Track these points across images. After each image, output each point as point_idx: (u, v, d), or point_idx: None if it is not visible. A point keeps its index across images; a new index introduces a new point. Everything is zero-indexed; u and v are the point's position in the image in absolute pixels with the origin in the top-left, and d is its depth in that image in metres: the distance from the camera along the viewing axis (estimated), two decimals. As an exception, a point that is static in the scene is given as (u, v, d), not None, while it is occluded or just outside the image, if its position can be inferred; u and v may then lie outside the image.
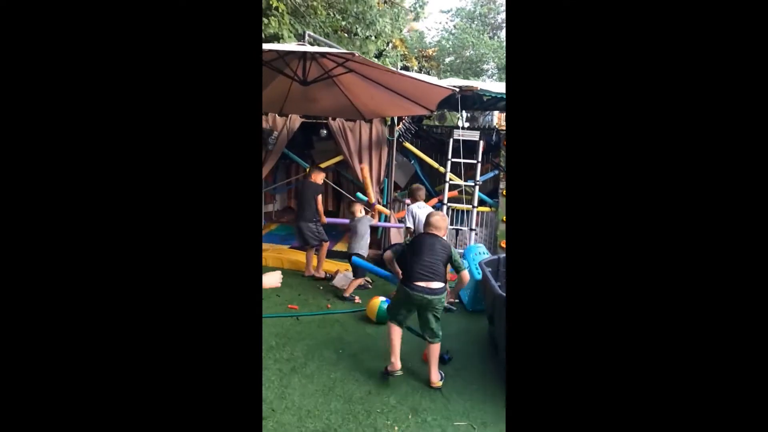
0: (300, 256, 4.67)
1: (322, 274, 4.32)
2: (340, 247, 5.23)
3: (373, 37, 5.62)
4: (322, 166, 5.60)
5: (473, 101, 5.43)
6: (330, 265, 4.55)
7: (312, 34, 3.57)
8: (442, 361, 2.72)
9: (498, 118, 7.03)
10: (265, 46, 2.32)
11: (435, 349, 2.56)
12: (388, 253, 2.97)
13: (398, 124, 4.95)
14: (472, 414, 2.29)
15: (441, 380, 2.54)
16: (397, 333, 2.58)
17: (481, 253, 3.76)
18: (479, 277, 3.58)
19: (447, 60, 16.52)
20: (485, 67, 18.21)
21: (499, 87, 5.06)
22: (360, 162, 5.20)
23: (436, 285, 2.47)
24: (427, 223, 2.68)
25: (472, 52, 16.64)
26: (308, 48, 2.86)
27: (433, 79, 3.36)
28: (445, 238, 2.66)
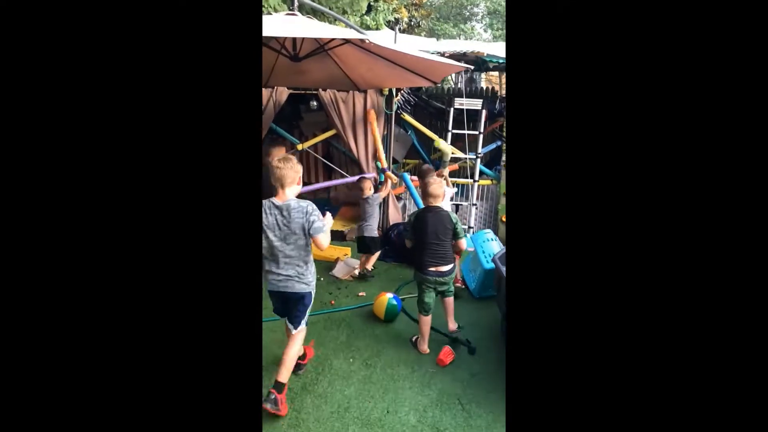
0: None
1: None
2: (337, 225, 4.99)
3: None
4: (314, 141, 5.22)
5: (477, 65, 5.01)
6: (327, 250, 4.34)
7: (303, 0, 3.09)
8: (470, 351, 2.80)
9: (488, 80, 6.57)
10: (265, 31, 1.85)
11: (449, 302, 2.86)
12: (408, 242, 2.87)
13: (396, 95, 4.55)
14: (495, 429, 2.22)
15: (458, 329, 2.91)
16: (427, 323, 2.78)
17: (489, 239, 3.60)
18: (487, 266, 3.44)
19: (436, 2, 15.43)
20: (475, 10, 17.12)
21: (503, 50, 4.65)
22: (354, 136, 4.84)
23: (446, 267, 2.68)
24: (425, 194, 2.68)
25: (462, -5, 15.55)
26: (308, 32, 2.43)
27: (446, 60, 2.96)
28: (443, 204, 2.74)
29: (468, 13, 16.65)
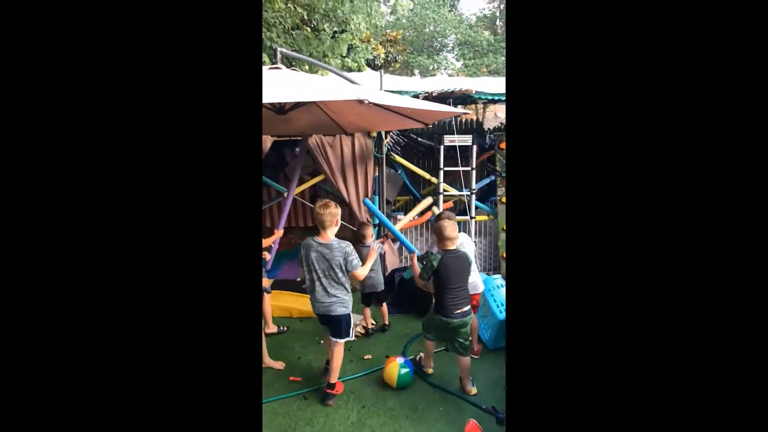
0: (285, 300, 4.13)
1: None
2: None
3: (343, 35, 4.93)
4: (302, 188, 5.00)
5: (464, 102, 4.94)
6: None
7: (284, 51, 2.92)
8: (498, 421, 2.50)
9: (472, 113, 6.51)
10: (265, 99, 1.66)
11: (466, 362, 2.77)
12: (421, 283, 2.84)
13: (386, 138, 4.39)
14: None
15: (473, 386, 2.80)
16: (432, 345, 2.89)
17: (499, 285, 3.38)
18: (501, 316, 3.21)
19: (407, 35, 15.79)
20: (446, 41, 17.60)
21: (493, 85, 4.59)
22: (344, 180, 4.63)
23: (467, 308, 2.70)
24: (442, 237, 2.64)
25: (432, 28, 15.99)
26: (311, 95, 2.24)
27: (443, 107, 2.81)
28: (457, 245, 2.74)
29: (438, 44, 17.09)
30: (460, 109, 2.81)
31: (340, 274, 2.55)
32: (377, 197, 4.55)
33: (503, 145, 4.81)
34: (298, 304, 4.06)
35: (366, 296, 3.64)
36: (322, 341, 3.49)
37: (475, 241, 4.76)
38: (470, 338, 3.11)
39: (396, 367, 2.83)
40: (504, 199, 4.83)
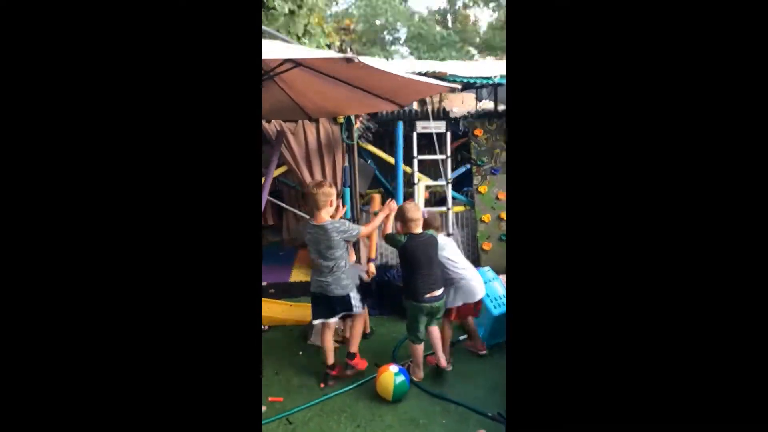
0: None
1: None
2: (299, 276, 4.24)
3: (301, 11, 4.48)
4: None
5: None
6: (296, 310, 3.58)
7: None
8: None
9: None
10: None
11: (436, 332, 2.68)
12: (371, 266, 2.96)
13: (356, 123, 4.01)
14: None
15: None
16: (420, 349, 2.68)
17: (491, 279, 3.14)
18: (496, 312, 2.98)
19: (358, 27, 15.40)
20: (397, 35, 17.43)
21: (464, 69, 4.36)
22: (310, 171, 4.20)
23: (439, 291, 2.61)
24: (405, 219, 2.56)
25: (382, 20, 15.71)
26: (288, 52, 1.86)
27: (435, 81, 2.47)
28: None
29: (391, 37, 16.87)
30: (448, 83, 2.49)
31: (337, 253, 2.50)
32: (348, 190, 4.16)
33: (478, 132, 4.60)
34: (267, 310, 3.59)
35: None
36: (301, 352, 3.07)
37: (452, 234, 4.53)
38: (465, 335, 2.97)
39: (390, 377, 2.48)
40: (482, 189, 4.63)
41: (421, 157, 4.50)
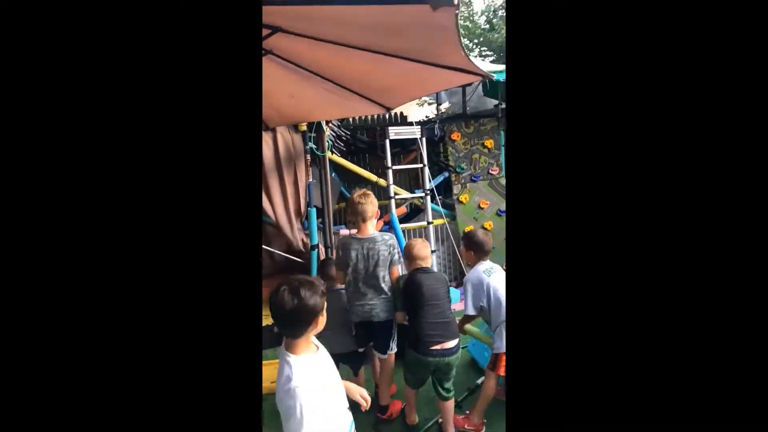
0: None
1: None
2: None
3: None
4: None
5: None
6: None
7: None
8: None
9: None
10: None
11: (449, 406, 2.15)
12: (399, 314, 2.26)
13: (326, 130, 3.36)
14: None
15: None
16: (413, 393, 2.24)
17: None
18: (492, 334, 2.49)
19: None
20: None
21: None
22: (267, 191, 3.48)
23: (452, 343, 2.04)
24: (410, 257, 2.19)
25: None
26: None
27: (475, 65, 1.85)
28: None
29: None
30: (489, 75, 1.92)
31: (384, 273, 2.17)
32: (314, 210, 3.48)
33: (455, 136, 4.16)
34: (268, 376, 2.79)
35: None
36: None
37: (435, 250, 4.03)
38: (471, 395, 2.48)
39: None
40: (463, 198, 4.19)
41: (397, 167, 3.97)
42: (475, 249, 2.27)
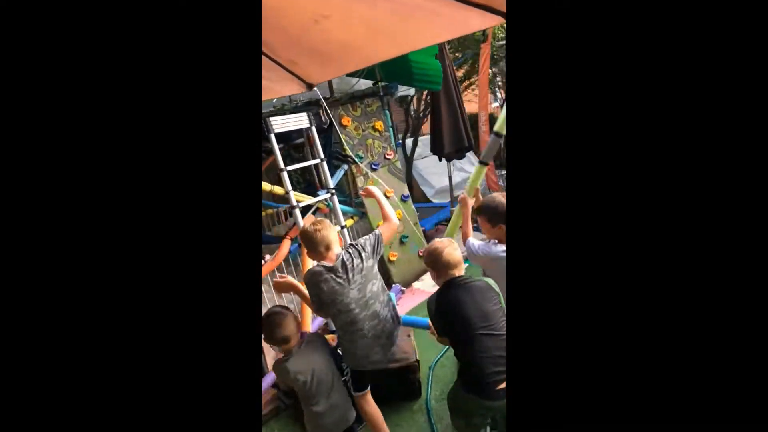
0: None
1: None
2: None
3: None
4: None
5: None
6: None
7: None
8: None
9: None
10: None
11: None
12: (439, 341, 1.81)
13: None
14: None
15: None
16: None
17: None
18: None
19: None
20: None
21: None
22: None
23: None
24: (438, 265, 1.72)
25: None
26: None
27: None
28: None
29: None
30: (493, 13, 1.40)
31: (378, 287, 2.01)
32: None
33: (346, 121, 3.58)
34: None
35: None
36: None
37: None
38: None
39: None
40: (363, 192, 3.67)
41: (291, 167, 3.14)
42: (500, 217, 1.85)
